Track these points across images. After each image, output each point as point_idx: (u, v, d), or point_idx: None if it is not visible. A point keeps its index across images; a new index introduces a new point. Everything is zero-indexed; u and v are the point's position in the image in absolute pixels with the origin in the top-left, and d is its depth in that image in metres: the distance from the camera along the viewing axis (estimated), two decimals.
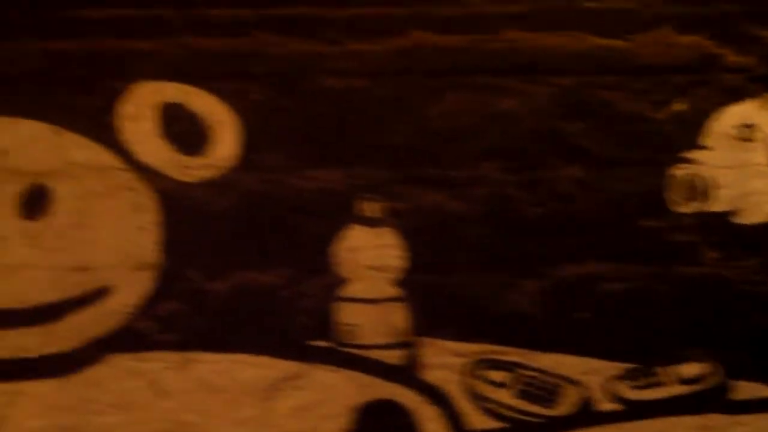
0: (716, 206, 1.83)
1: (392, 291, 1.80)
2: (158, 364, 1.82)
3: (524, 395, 1.80)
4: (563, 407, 1.80)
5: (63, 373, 1.86)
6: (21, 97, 1.86)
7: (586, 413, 1.80)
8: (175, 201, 1.81)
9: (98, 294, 1.85)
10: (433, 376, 1.79)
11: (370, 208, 1.78)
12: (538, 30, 1.83)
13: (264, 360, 1.80)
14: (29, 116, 1.86)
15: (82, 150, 1.85)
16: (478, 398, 1.80)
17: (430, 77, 1.79)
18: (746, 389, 1.83)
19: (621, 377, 1.79)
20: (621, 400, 1.80)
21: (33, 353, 1.87)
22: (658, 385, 1.81)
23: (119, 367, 1.84)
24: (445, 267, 1.80)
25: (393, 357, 1.81)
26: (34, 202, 1.84)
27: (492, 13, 1.83)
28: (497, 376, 1.79)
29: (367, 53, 1.79)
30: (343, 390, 1.79)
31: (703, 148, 1.84)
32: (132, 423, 1.83)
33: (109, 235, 1.83)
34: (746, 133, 1.83)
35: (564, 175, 1.81)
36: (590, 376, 1.79)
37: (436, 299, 1.80)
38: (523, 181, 1.80)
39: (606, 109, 1.83)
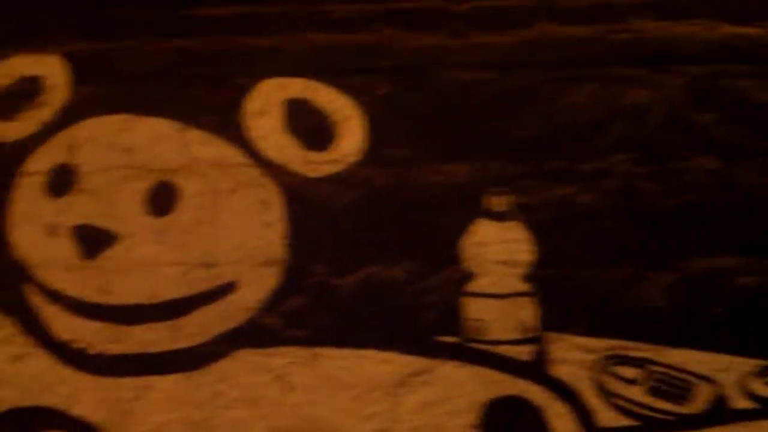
0: None
1: (520, 286, 1.78)
2: (285, 359, 1.82)
3: (656, 392, 1.76)
4: (696, 405, 1.76)
5: (190, 368, 1.88)
6: (147, 95, 1.88)
7: (720, 411, 1.76)
8: (301, 196, 1.82)
9: (224, 289, 1.86)
10: (562, 372, 1.76)
11: (498, 201, 1.77)
12: (667, 18, 1.79)
13: (391, 356, 1.80)
14: (155, 114, 1.88)
15: (207, 147, 1.86)
16: (608, 395, 1.77)
17: (557, 69, 1.76)
18: None
19: (755, 374, 1.74)
20: (755, 397, 1.75)
21: (160, 348, 1.88)
22: None
23: (246, 362, 1.85)
24: (574, 261, 1.77)
25: (521, 353, 1.79)
26: (161, 198, 1.86)
27: (619, 3, 1.80)
28: (628, 372, 1.76)
29: (492, 45, 1.77)
30: (470, 386, 1.77)
31: None
32: (258, 418, 1.84)
33: (235, 231, 1.84)
34: None
35: (696, 167, 1.77)
36: (723, 372, 1.76)
37: (565, 294, 1.77)
38: (653, 173, 1.77)
39: (739, 98, 1.79)
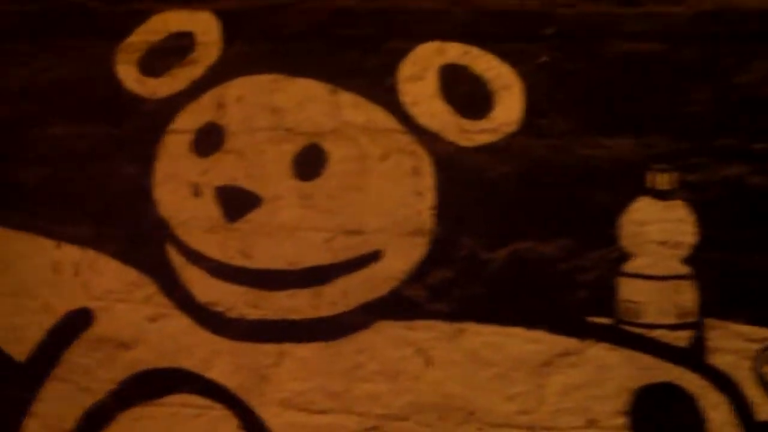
0: None
1: (681, 268, 1.83)
2: (428, 333, 1.91)
3: None
4: None
5: (330, 338, 1.98)
6: (298, 55, 1.98)
7: None
8: (453, 166, 1.91)
9: (369, 258, 1.95)
10: (720, 360, 1.83)
11: (662, 179, 1.82)
12: None
13: (538, 334, 1.88)
14: (306, 75, 1.98)
15: (358, 110, 1.95)
16: None
17: (736, 42, 1.79)
18: None
19: None
20: None
21: (301, 315, 1.98)
22: None
23: (388, 335, 1.94)
24: (740, 245, 1.83)
25: (677, 339, 1.84)
26: (308, 162, 1.95)
27: None
28: None
29: (666, 15, 1.82)
30: (621, 370, 1.84)
31: None
32: (397, 392, 1.93)
33: (384, 199, 1.94)
34: None
35: None
36: None
37: (729, 279, 1.84)
38: None
39: None
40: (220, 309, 2.17)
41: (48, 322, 2.28)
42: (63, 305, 2.27)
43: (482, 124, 2.04)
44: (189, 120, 2.18)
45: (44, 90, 2.27)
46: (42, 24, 2.26)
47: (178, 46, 2.18)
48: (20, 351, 2.30)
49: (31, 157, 2.28)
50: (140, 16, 2.19)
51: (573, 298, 2.01)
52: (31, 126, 2.28)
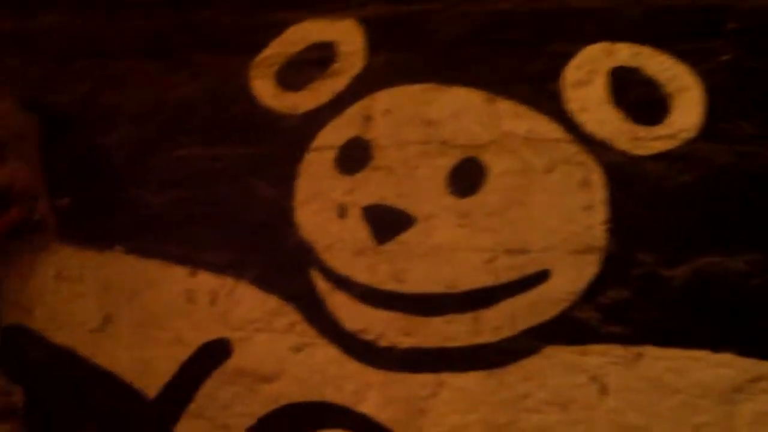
0: None
1: None
2: (602, 358, 1.75)
3: None
4: None
5: (493, 365, 1.88)
6: (452, 62, 1.87)
7: None
8: (627, 176, 1.78)
9: (536, 279, 1.80)
10: None
11: None
12: None
13: (727, 358, 1.72)
14: (460, 83, 1.82)
15: (519, 120, 1.81)
16: None
17: None
18: None
19: None
20: None
21: (461, 342, 1.84)
22: None
23: (558, 361, 1.79)
24: None
25: None
26: (466, 177, 1.81)
27: None
28: None
29: None
30: None
31: None
32: (571, 423, 1.77)
33: (550, 214, 1.79)
34: None
35: None
36: None
37: None
38: None
39: None
40: (369, 337, 2.02)
41: (181, 354, 2.14)
42: (198, 336, 2.14)
43: (658, 130, 1.89)
44: (332, 136, 2.05)
45: (175, 109, 2.14)
46: (172, 40, 2.13)
47: (319, 57, 2.05)
48: (151, 386, 2.16)
49: (162, 179, 2.15)
50: (276, 28, 2.06)
51: (765, 317, 1.83)
52: (162, 147, 2.15)
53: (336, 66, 2.06)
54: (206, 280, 2.14)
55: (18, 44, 2.27)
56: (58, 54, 2.25)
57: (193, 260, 2.15)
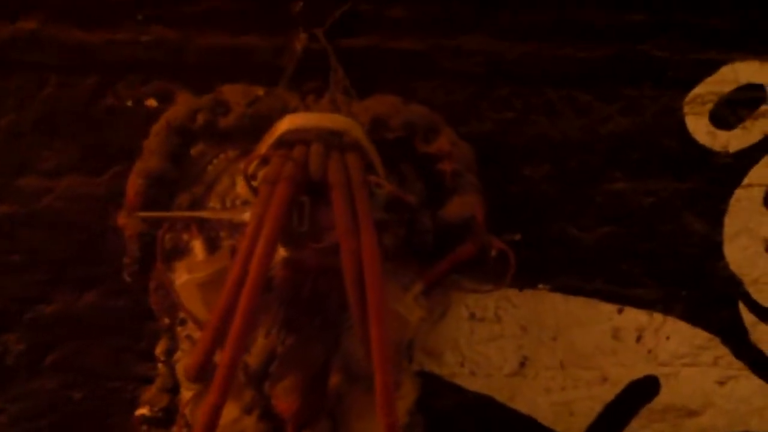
0: None
1: None
2: None
3: None
4: None
5: None
6: None
7: None
8: None
9: None
10: None
11: None
12: None
13: None
14: None
15: None
16: None
17: None
18: None
19: None
20: None
21: None
22: None
23: None
24: None
25: None
26: None
27: None
28: None
29: None
30: None
31: None
32: None
33: None
34: None
35: None
36: None
37: None
38: None
39: None
40: None
41: (606, 394, 2.14)
42: (624, 374, 2.15)
43: None
44: (763, 173, 2.17)
45: (608, 142, 2.13)
46: (601, 71, 2.12)
47: (750, 98, 2.16)
48: (573, 429, 2.14)
49: (594, 215, 2.12)
50: (707, 66, 2.14)
51: None
52: (593, 181, 2.12)
53: (766, 108, 2.18)
54: (634, 316, 2.15)
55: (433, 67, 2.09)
56: (480, 78, 2.11)
57: (620, 297, 2.14)
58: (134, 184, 1.88)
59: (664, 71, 2.10)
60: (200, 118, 1.87)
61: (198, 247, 1.89)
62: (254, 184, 1.77)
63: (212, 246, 1.90)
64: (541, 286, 2.09)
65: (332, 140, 1.80)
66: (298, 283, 1.79)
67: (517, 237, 1.98)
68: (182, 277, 1.86)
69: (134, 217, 1.88)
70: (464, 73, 2.04)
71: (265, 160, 1.82)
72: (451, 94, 2.04)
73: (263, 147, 1.81)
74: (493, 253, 1.92)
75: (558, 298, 2.09)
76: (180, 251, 1.91)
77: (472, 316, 2.08)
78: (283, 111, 1.89)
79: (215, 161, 1.93)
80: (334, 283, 1.75)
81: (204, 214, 1.89)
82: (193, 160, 1.92)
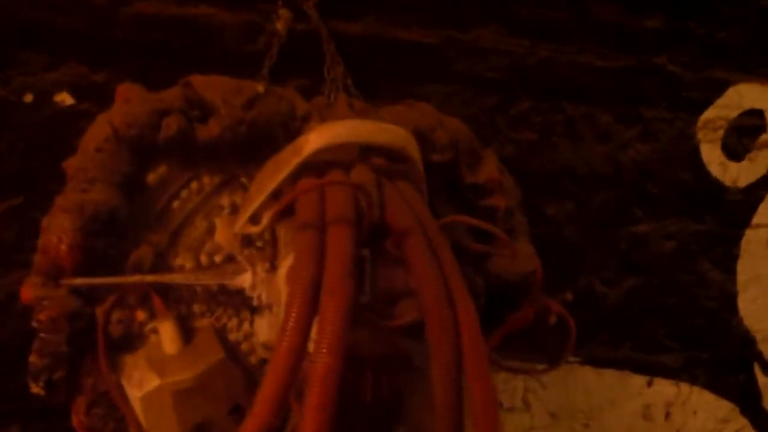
0: None
1: None
2: None
3: None
4: None
5: None
6: None
7: None
8: None
9: None
10: None
11: None
12: None
13: None
14: None
15: None
16: None
17: None
18: None
19: None
20: None
21: None
22: None
23: None
24: None
25: None
26: None
27: None
28: None
29: None
30: None
31: None
32: None
33: None
34: None
35: None
36: None
37: None
38: None
39: None
40: None
41: None
42: None
43: None
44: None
45: (628, 173, 1.77)
46: (618, 87, 1.77)
47: (752, 126, 1.93)
48: None
49: (616, 264, 1.75)
50: (718, 86, 1.88)
51: None
52: (616, 221, 1.76)
53: (765, 137, 1.95)
54: (662, 389, 1.80)
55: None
56: (500, 87, 1.64)
57: (648, 366, 1.78)
58: (58, 231, 1.10)
59: (679, 90, 1.73)
60: (169, 126, 1.16)
61: (166, 331, 1.15)
62: (278, 233, 1.10)
63: (187, 329, 1.17)
64: (571, 359, 1.59)
65: (377, 162, 1.18)
66: (356, 381, 1.13)
67: (569, 297, 1.47)
68: (150, 382, 1.12)
69: (59, 287, 1.10)
70: (482, 79, 1.51)
71: (275, 195, 1.15)
72: (469, 105, 1.49)
73: (280, 172, 1.14)
74: (552, 320, 1.39)
75: (589, 373, 1.62)
76: (133, 340, 1.16)
77: (500, 405, 1.53)
78: (291, 118, 1.23)
79: (183, 193, 1.21)
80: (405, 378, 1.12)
81: (174, 277, 1.16)
82: (150, 192, 1.19)
